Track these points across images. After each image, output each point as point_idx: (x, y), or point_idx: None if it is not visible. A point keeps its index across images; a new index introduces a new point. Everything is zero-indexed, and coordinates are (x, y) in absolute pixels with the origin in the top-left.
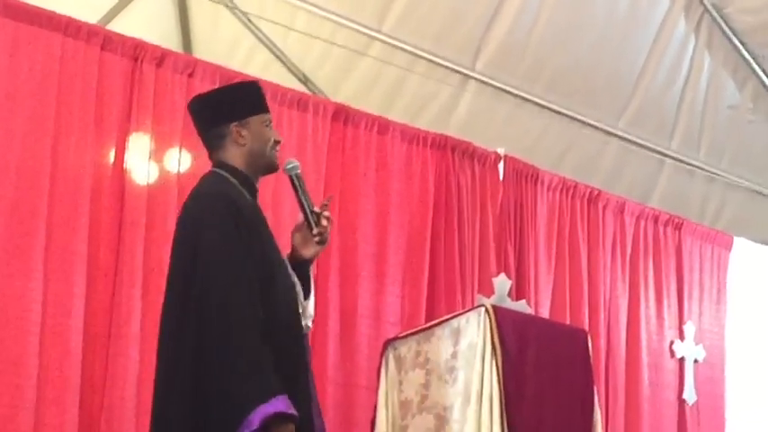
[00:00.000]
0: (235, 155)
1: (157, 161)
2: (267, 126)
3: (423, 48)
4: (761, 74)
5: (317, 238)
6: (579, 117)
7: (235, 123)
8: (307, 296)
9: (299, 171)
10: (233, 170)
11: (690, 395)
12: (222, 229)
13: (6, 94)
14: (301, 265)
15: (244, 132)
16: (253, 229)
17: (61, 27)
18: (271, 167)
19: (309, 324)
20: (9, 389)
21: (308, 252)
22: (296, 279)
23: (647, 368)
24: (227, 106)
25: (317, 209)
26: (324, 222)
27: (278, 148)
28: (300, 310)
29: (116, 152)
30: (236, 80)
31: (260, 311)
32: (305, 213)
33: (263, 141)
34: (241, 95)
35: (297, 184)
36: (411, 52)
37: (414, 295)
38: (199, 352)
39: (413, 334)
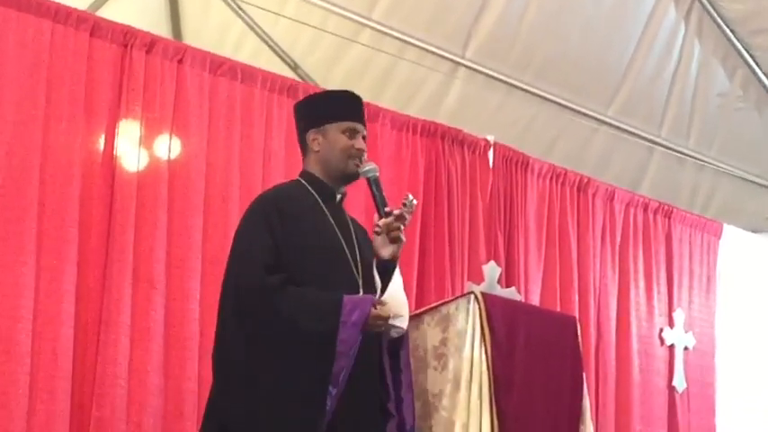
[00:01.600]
0: (312, 161)
1: (147, 148)
2: (345, 133)
3: (413, 35)
4: (750, 62)
5: (381, 236)
6: (569, 105)
7: (313, 130)
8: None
9: (377, 174)
10: (310, 177)
11: (680, 382)
12: (248, 223)
13: None
14: (384, 266)
15: (320, 139)
16: (294, 230)
17: (50, 13)
18: (345, 176)
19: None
20: (1, 376)
21: (384, 252)
22: (378, 279)
23: (638, 355)
24: (309, 114)
25: (388, 209)
26: (388, 219)
27: (359, 156)
28: None
29: (106, 139)
30: (226, 66)
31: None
32: (379, 214)
33: (335, 149)
34: (323, 103)
35: (373, 186)
36: (401, 39)
37: (403, 282)
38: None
39: None
